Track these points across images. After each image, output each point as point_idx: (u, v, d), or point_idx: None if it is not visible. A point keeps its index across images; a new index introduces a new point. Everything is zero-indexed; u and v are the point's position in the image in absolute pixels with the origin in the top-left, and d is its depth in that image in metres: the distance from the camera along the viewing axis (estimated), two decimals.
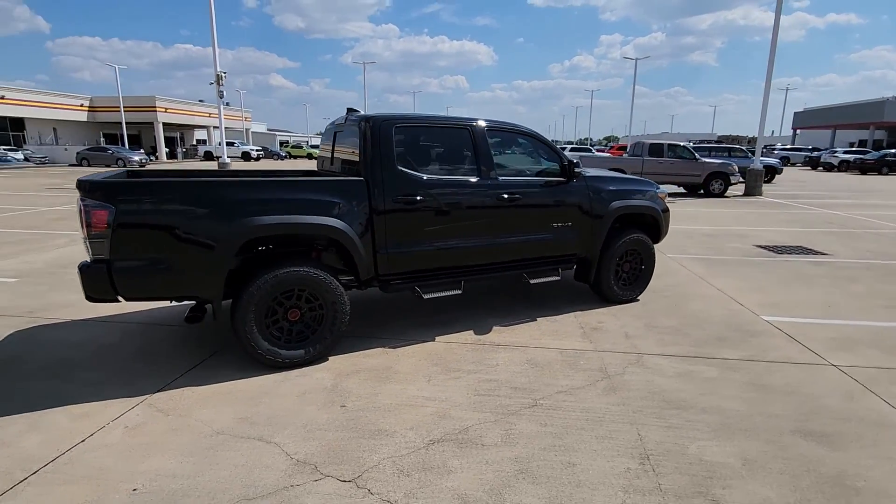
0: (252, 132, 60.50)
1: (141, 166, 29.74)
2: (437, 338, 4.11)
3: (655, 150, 15.68)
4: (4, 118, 37.62)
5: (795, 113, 60.07)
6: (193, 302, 3.79)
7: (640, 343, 4.04)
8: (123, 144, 38.88)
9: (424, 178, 3.90)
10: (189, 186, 3.33)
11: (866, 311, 4.88)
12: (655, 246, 5.22)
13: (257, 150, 44.53)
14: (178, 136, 50.09)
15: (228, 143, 41.06)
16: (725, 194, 15.93)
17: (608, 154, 24.64)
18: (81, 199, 3.02)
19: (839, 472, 2.46)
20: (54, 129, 41.28)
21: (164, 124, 43.89)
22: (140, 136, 45.62)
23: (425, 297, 3.93)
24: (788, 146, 45.59)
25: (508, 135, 4.61)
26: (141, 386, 3.25)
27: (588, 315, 4.70)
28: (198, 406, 3.02)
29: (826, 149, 39.85)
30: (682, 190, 16.70)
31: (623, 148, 31.46)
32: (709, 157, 18.49)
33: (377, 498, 2.24)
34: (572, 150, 29.74)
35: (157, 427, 2.80)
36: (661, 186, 5.42)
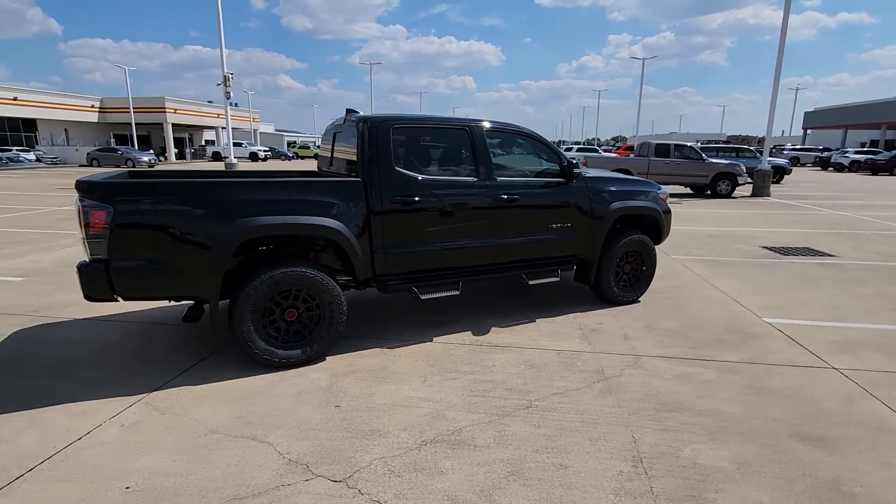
0: (260, 133, 60.90)
1: (150, 167, 30.04)
2: (434, 338, 4.11)
3: (661, 150, 15.58)
4: (17, 119, 38.20)
5: (806, 113, 59.46)
6: (192, 301, 3.82)
7: (639, 345, 4.01)
8: (133, 145, 39.30)
9: (422, 178, 3.90)
10: (186, 187, 3.36)
11: (871, 313, 4.82)
12: (658, 247, 5.19)
13: (265, 151, 44.81)
14: (186, 137, 50.52)
15: (236, 144, 41.43)
16: (733, 195, 15.79)
17: (615, 154, 24.55)
18: (80, 200, 3.06)
19: (835, 476, 2.43)
20: (66, 129, 41.82)
21: (173, 125, 44.32)
22: (149, 137, 46.10)
23: (423, 297, 3.93)
24: (798, 146, 45.11)
25: (507, 135, 4.60)
26: (139, 385, 3.28)
27: (588, 316, 4.68)
28: (194, 405, 3.04)
29: (837, 149, 39.37)
30: (688, 191, 16.59)
31: (630, 148, 31.32)
32: (716, 157, 18.36)
33: (367, 498, 2.25)
34: (579, 150, 29.64)
35: (153, 425, 2.82)
36: (662, 187, 5.38)
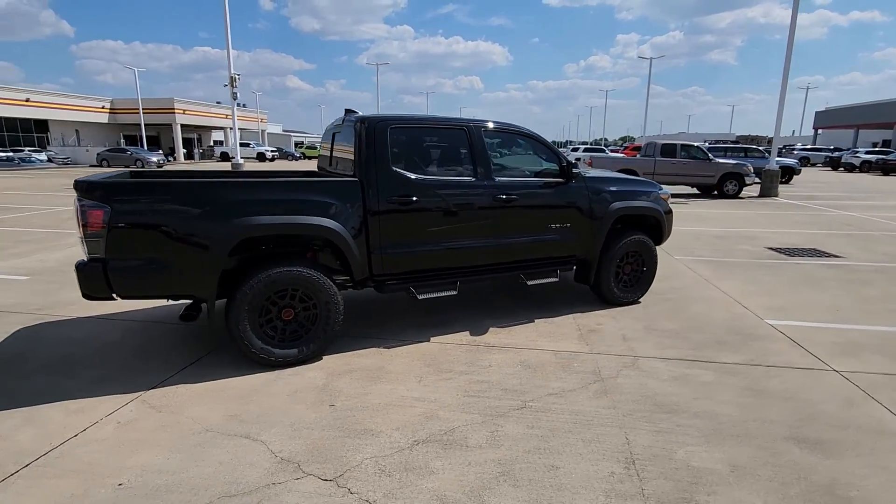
0: (268, 133, 61.30)
1: (159, 167, 30.32)
2: (432, 338, 4.10)
3: (668, 150, 15.47)
4: (29, 120, 38.74)
5: (817, 112, 58.84)
6: (190, 301, 3.84)
7: (638, 346, 3.98)
8: (143, 146, 39.69)
9: (420, 178, 3.90)
10: (182, 187, 3.39)
11: (876, 315, 4.75)
12: (661, 247, 5.15)
13: (272, 151, 45.06)
14: (195, 138, 50.95)
15: (244, 145, 41.73)
16: (740, 195, 15.64)
17: (622, 155, 24.41)
18: (78, 200, 3.09)
19: (831, 480, 2.40)
20: (77, 130, 42.34)
21: (182, 126, 44.74)
22: (159, 138, 46.52)
23: (420, 297, 3.93)
24: (809, 146, 44.61)
25: (506, 135, 4.59)
26: (137, 383, 3.31)
27: (587, 317, 4.65)
28: (190, 403, 3.06)
29: (848, 149, 38.88)
30: (695, 191, 16.46)
31: (637, 148, 31.14)
32: (724, 157, 18.21)
33: (356, 497, 2.25)
34: (585, 150, 29.52)
35: (149, 423, 2.85)
36: (664, 187, 5.35)
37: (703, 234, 8.98)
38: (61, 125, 40.72)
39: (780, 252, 7.55)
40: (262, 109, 58.70)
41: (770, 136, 16.83)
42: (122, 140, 44.18)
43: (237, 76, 21.59)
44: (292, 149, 56.15)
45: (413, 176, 3.89)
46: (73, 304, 4.80)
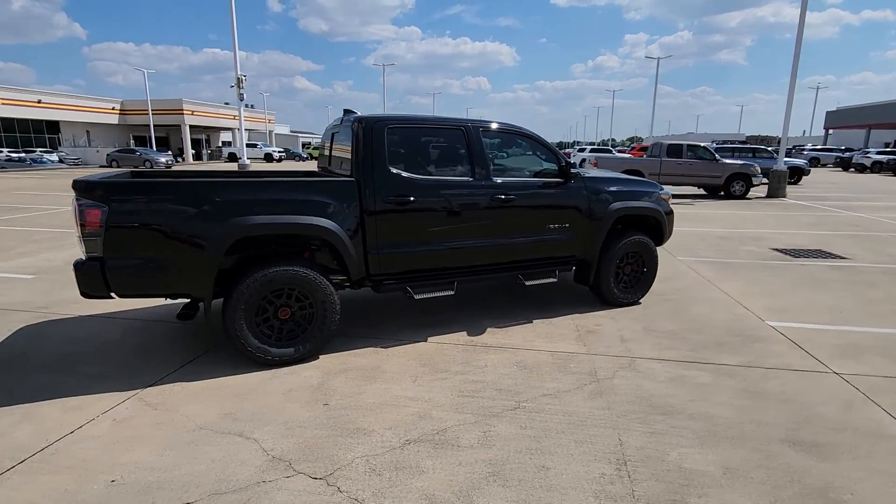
0: (276, 134, 61.65)
1: (167, 167, 30.59)
2: (429, 338, 4.11)
3: (674, 150, 15.36)
4: (41, 121, 39.25)
5: (828, 112, 58.13)
6: (187, 299, 3.87)
7: (636, 347, 3.96)
8: (152, 146, 40.09)
9: (416, 178, 3.91)
10: (178, 187, 3.42)
11: (880, 317, 4.69)
12: (664, 248, 5.12)
13: (279, 152, 45.30)
14: (203, 139, 51.36)
15: (252, 145, 42.01)
16: (747, 196, 15.50)
17: (628, 155, 24.28)
18: (76, 199, 3.13)
19: (825, 483, 2.37)
20: (87, 131, 42.85)
21: (190, 126, 45.13)
22: (168, 139, 46.95)
23: (416, 297, 3.93)
24: (819, 146, 44.11)
25: (505, 136, 4.59)
26: (135, 381, 3.34)
27: (586, 318, 4.63)
28: (185, 401, 3.09)
29: (859, 149, 38.39)
30: (702, 192, 16.35)
31: (645, 149, 30.96)
32: (732, 157, 18.06)
33: (345, 496, 2.26)
34: (592, 150, 29.41)
35: (144, 420, 2.87)
36: (665, 187, 5.31)
37: (707, 235, 8.91)
38: (72, 126, 41.23)
39: (785, 253, 7.47)
40: (270, 110, 59.13)
41: (780, 136, 16.64)
42: (132, 141, 44.67)
43: (244, 77, 21.74)
44: (300, 149, 56.42)
45: (410, 176, 3.90)
46: (77, 303, 4.85)
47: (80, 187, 3.12)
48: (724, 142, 35.37)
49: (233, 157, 42.98)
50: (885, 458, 2.56)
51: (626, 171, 13.55)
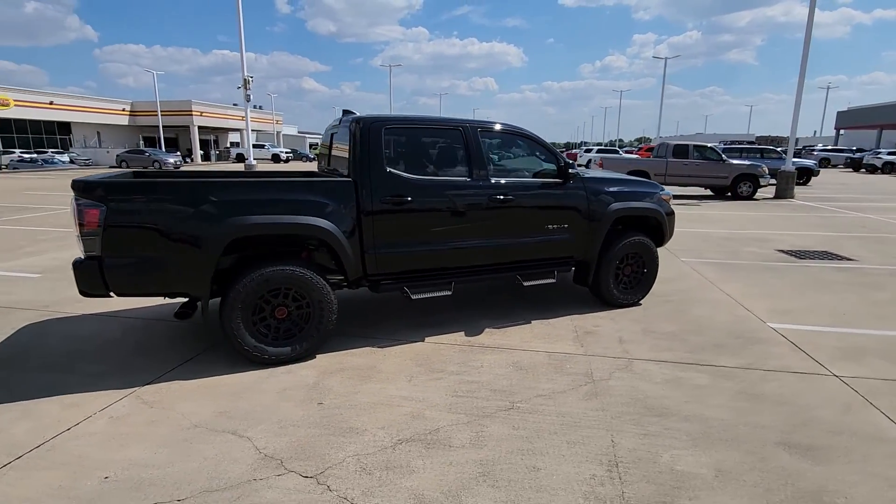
0: (283, 135, 62.02)
1: (176, 168, 30.86)
2: (426, 338, 4.11)
3: (680, 151, 15.25)
4: (52, 122, 39.76)
5: (839, 112, 57.42)
6: (186, 298, 3.91)
7: (633, 348, 3.94)
8: (161, 147, 40.47)
9: (413, 178, 3.92)
10: (176, 187, 3.45)
11: (884, 319, 4.63)
12: (667, 249, 5.08)
13: (286, 153, 45.55)
14: (212, 139, 51.76)
15: (259, 146, 42.27)
16: (754, 197, 15.36)
17: (635, 156, 24.15)
18: (75, 199, 3.17)
19: (819, 487, 2.34)
20: (98, 132, 43.36)
21: (199, 127, 45.51)
22: (177, 139, 47.38)
23: (414, 297, 3.94)
24: (829, 147, 43.61)
25: (503, 136, 4.58)
26: (133, 379, 3.37)
27: (585, 318, 4.62)
28: (181, 399, 3.11)
29: (870, 150, 37.91)
30: (709, 192, 16.23)
31: (652, 150, 30.78)
32: (740, 158, 17.91)
33: (335, 495, 2.27)
34: (598, 151, 29.30)
35: (140, 418, 2.90)
36: (665, 188, 5.28)
37: (712, 236, 8.85)
38: (83, 127, 41.75)
39: (791, 254, 7.39)
40: (278, 111, 59.48)
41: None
42: (142, 142, 45.12)
43: (250, 78, 21.90)
44: (307, 150, 56.69)
45: (407, 176, 3.90)
46: (80, 302, 4.89)
47: (79, 187, 3.16)
48: (732, 142, 35.08)
49: (241, 158, 43.27)
50: (882, 462, 2.53)
51: (631, 172, 13.48)
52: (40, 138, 39.50)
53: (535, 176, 4.55)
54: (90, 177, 3.32)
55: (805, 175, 20.01)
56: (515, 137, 4.61)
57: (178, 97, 47.50)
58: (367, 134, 3.80)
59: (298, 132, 77.63)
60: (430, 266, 4.06)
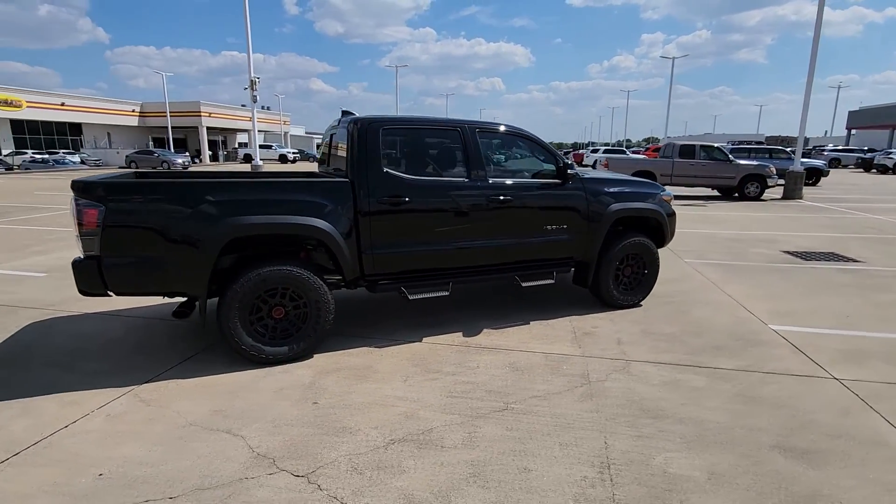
0: (291, 135, 62.30)
1: (184, 168, 31.12)
2: (424, 339, 4.12)
3: (686, 151, 15.14)
4: (64, 123, 40.29)
5: (850, 112, 56.76)
6: (184, 297, 3.94)
7: (631, 350, 3.92)
8: (170, 148, 40.84)
9: (411, 179, 3.93)
10: (174, 187, 3.48)
11: (888, 322, 4.57)
12: (669, 250, 5.05)
13: (294, 153, 45.78)
14: (220, 140, 52.15)
15: (266, 147, 42.51)
16: (762, 198, 15.21)
17: (642, 156, 24.01)
18: (75, 199, 3.21)
19: (813, 491, 2.32)
20: (108, 133, 43.87)
21: (207, 128, 45.89)
22: (186, 140, 47.80)
23: (411, 297, 3.94)
24: (840, 147, 43.09)
25: (502, 137, 4.58)
26: (132, 377, 3.41)
27: (584, 319, 4.60)
28: (178, 398, 3.14)
29: (882, 150, 37.41)
30: (716, 193, 16.10)
31: (659, 150, 30.58)
32: (748, 158, 17.75)
33: (325, 494, 2.28)
34: (605, 151, 29.17)
35: (137, 416, 2.93)
36: (666, 188, 5.25)
37: (717, 237, 8.78)
38: (94, 128, 42.26)
39: (796, 256, 7.32)
40: (286, 112, 59.81)
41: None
42: (151, 142, 45.56)
43: (257, 79, 22.04)
44: (314, 151, 56.90)
45: (405, 176, 3.91)
46: (83, 301, 4.95)
47: (78, 187, 3.20)
48: (741, 142, 34.76)
49: (248, 159, 43.54)
50: (879, 467, 2.50)
51: (636, 173, 13.42)
52: (52, 139, 40.03)
53: (534, 176, 4.54)
54: (89, 177, 3.36)
55: (814, 175, 19.79)
56: (514, 138, 4.60)
57: (188, 98, 47.93)
58: (365, 134, 3.81)
59: (306, 133, 77.93)
60: (427, 266, 4.06)
